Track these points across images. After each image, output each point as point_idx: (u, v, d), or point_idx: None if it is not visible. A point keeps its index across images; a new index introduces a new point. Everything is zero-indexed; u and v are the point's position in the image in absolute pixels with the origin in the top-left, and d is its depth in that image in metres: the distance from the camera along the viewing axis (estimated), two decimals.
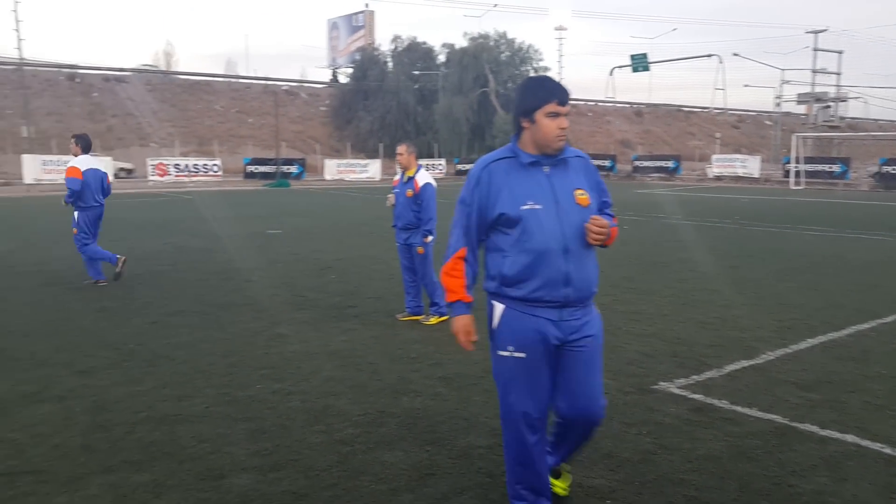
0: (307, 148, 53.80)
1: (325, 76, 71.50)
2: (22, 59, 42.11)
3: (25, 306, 7.62)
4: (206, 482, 3.56)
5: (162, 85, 61.46)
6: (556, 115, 2.87)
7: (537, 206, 2.88)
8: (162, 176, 34.85)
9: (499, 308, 3.04)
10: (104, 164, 8.88)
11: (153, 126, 52.69)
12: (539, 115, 2.87)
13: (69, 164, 8.93)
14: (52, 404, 4.65)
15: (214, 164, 37.10)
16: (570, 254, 2.90)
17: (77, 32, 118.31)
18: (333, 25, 70.59)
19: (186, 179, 35.38)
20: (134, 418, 4.40)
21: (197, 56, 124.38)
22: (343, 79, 63.40)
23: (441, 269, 3.13)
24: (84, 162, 8.89)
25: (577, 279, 2.92)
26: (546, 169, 2.96)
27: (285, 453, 3.91)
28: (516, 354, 2.98)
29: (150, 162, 35.84)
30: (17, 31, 41.61)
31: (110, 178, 9.34)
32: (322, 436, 4.15)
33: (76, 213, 8.89)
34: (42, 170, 30.75)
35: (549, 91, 2.88)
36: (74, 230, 8.88)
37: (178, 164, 36.19)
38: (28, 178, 30.13)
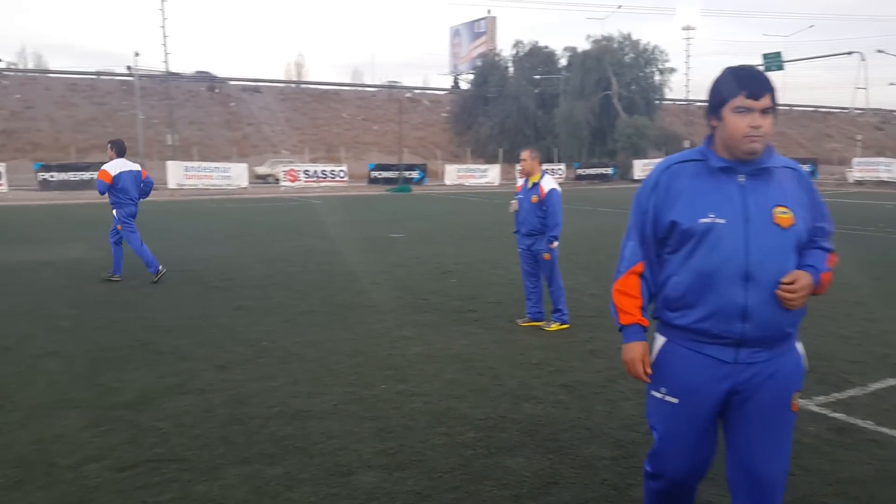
0: (428, 153, 54.75)
1: (447, 83, 72.59)
2: (168, 71, 45.20)
3: (169, 303, 8.16)
4: (335, 478, 3.68)
5: (293, 94, 64.34)
6: (746, 110, 2.36)
7: (719, 221, 2.40)
8: (292, 181, 36.44)
9: (659, 341, 2.60)
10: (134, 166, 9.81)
11: (285, 133, 55.23)
12: (726, 111, 2.40)
13: (102, 168, 9.68)
14: (194, 396, 4.94)
15: (341, 170, 38.44)
16: (752, 282, 2.37)
17: (218, 46, 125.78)
18: (455, 32, 71.54)
19: (315, 185, 36.83)
20: (268, 413, 4.61)
21: (326, 66, 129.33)
22: (464, 85, 64.11)
23: (613, 286, 2.66)
24: (116, 166, 9.56)
25: (759, 314, 2.38)
26: (741, 178, 2.44)
27: (409, 453, 3.98)
28: (668, 399, 2.54)
29: (282, 168, 37.62)
30: (164, 45, 44.81)
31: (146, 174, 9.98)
32: (444, 438, 4.20)
33: (115, 211, 9.59)
34: (184, 175, 32.93)
35: (738, 82, 2.39)
36: (119, 227, 9.56)
37: (307, 170, 37.76)
38: (171, 182, 32.35)
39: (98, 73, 59.09)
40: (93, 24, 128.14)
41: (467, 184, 40.59)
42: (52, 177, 32.35)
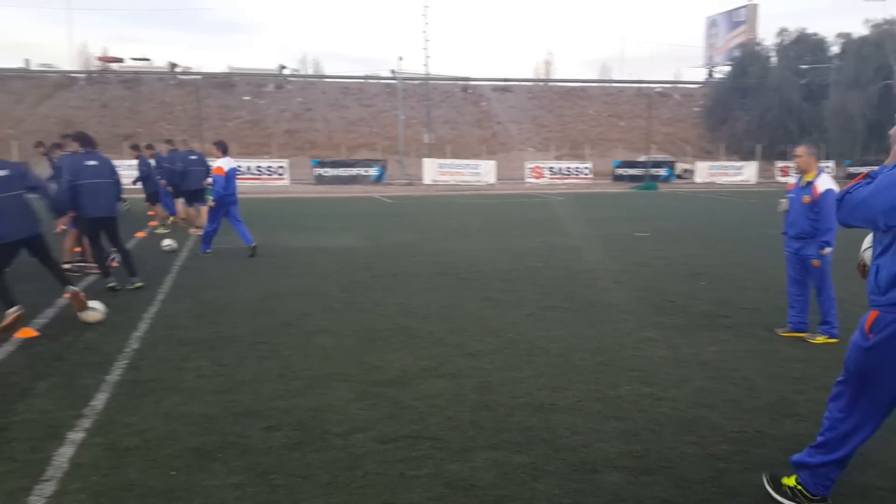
0: (676, 150, 52.52)
1: (700, 76, 69.01)
2: (427, 74, 47.99)
3: (424, 291, 8.70)
4: (580, 473, 3.70)
5: (541, 93, 65.12)
6: None
7: None
8: (538, 178, 36.99)
9: None
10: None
11: (531, 131, 56.14)
12: None
13: (215, 165, 11.43)
14: (446, 380, 5.24)
15: (585, 167, 38.26)
16: None
17: (471, 48, 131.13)
18: (712, 23, 67.72)
19: (559, 182, 37.05)
20: (514, 402, 4.76)
21: (574, 63, 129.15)
22: (719, 77, 60.53)
23: None
24: (227, 163, 11.40)
25: None
26: None
27: (656, 459, 3.88)
28: None
29: (528, 165, 38.33)
30: (425, 50, 47.64)
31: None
32: (694, 447, 4.04)
33: (210, 199, 11.52)
34: (438, 171, 34.83)
35: None
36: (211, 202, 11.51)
37: (552, 168, 38.10)
38: (427, 178, 34.40)
39: (366, 77, 64.38)
40: (362, 32, 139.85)
41: (719, 182, 38.34)
42: (325, 172, 35.95)
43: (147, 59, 66.78)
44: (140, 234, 14.29)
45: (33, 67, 60.82)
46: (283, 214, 20.09)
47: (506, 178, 40.38)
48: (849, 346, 3.17)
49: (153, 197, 15.27)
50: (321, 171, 36.05)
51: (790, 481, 3.38)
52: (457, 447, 4.04)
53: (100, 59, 68.58)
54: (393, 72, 55.06)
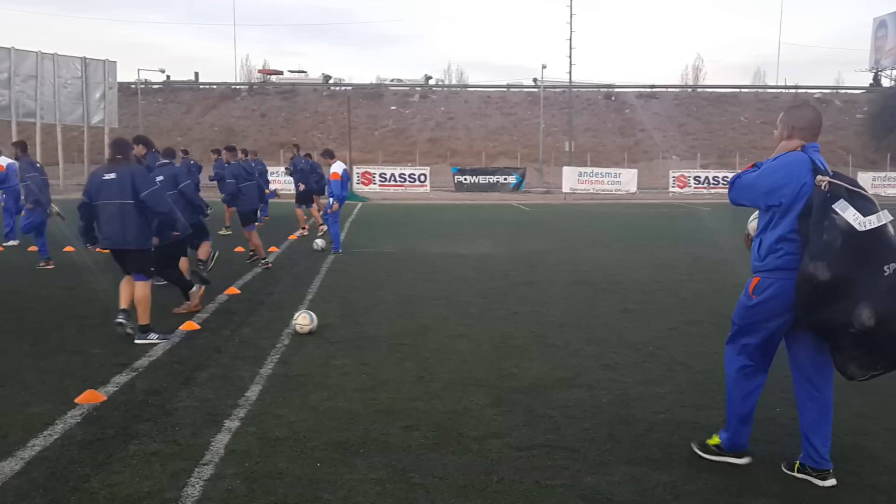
0: (837, 160, 48.89)
1: (865, 81, 64.03)
2: (570, 82, 47.62)
3: (561, 300, 8.63)
4: (723, 497, 3.54)
5: (688, 99, 62.82)
6: None
7: None
8: (682, 188, 35.70)
9: None
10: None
11: (676, 139, 54.26)
12: None
13: (332, 170, 12.24)
14: (582, 391, 5.17)
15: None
16: None
17: (616, 54, 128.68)
18: (880, 24, 62.55)
19: (705, 191, 35.55)
20: (653, 418, 4.63)
21: (725, 68, 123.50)
22: (887, 82, 55.87)
23: None
24: (340, 167, 12.23)
25: None
26: None
27: (807, 486, 3.64)
28: None
29: (672, 174, 37.07)
30: (569, 57, 47.24)
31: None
32: (851, 477, 3.76)
33: (331, 199, 12.10)
34: (577, 180, 34.43)
35: None
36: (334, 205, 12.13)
37: (698, 177, 36.65)
38: (566, 187, 34.09)
39: (508, 86, 64.69)
40: (507, 42, 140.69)
41: (884, 193, 35.38)
42: (465, 179, 36.50)
43: (303, 72, 70.51)
44: (292, 237, 15.10)
45: (202, 80, 65.79)
46: (424, 221, 20.58)
47: (648, 187, 39.23)
48: (736, 306, 3.87)
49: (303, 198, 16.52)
50: (461, 178, 36.61)
51: (714, 440, 4.01)
52: (593, 460, 3.98)
53: (260, 71, 73.20)
54: (535, 80, 55.05)
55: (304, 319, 6.79)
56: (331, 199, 12.15)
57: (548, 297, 8.82)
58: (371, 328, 7.07)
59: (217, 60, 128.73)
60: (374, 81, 67.31)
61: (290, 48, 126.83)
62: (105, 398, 4.91)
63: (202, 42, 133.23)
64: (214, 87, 64.52)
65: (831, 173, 3.55)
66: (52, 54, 35.09)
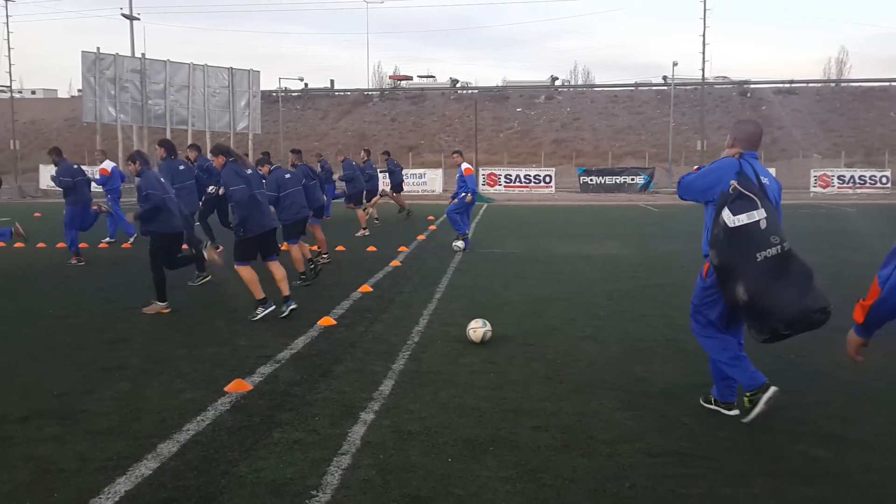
0: None
1: None
2: (702, 79, 45.86)
3: None
4: None
5: (831, 94, 59.01)
6: None
7: None
8: (824, 187, 33.60)
9: None
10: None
11: (818, 136, 51.08)
12: None
13: (464, 167, 13.06)
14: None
15: (883, 176, 33.94)
16: None
17: (752, 49, 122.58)
18: None
19: (850, 191, 33.26)
20: (796, 430, 4.40)
21: (873, 61, 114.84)
22: None
23: None
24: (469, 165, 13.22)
25: None
26: None
27: None
28: None
29: (814, 173, 34.95)
30: (702, 54, 45.48)
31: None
32: None
33: (463, 193, 12.97)
34: None
35: None
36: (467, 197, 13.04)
37: (841, 176, 34.36)
38: None
39: (637, 85, 63.19)
40: (634, 40, 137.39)
41: None
42: (591, 180, 35.97)
43: (432, 77, 71.94)
44: (420, 237, 15.44)
45: (337, 87, 68.47)
46: (550, 222, 20.46)
47: (786, 187, 37.05)
48: (694, 289, 4.69)
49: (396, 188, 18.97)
50: (587, 179, 36.11)
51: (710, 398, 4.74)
52: (731, 470, 3.84)
53: (391, 77, 75.38)
54: (665, 78, 53.44)
55: (477, 327, 6.60)
56: (463, 194, 13.01)
57: (679, 301, 8.53)
58: (498, 328, 7.11)
59: (351, 68, 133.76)
60: (500, 84, 67.53)
61: (419, 54, 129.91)
62: (251, 387, 5.24)
63: (338, 51, 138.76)
64: (348, 93, 67.01)
65: (771, 176, 4.46)
66: (203, 65, 37.61)
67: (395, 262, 11.45)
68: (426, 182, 35.80)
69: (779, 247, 4.04)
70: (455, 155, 13.91)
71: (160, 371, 5.73)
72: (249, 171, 7.73)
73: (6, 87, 54.94)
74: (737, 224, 4.01)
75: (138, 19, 41.83)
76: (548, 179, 35.86)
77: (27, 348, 6.52)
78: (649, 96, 60.03)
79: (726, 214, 4.04)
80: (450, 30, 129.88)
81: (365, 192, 17.06)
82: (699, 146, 42.95)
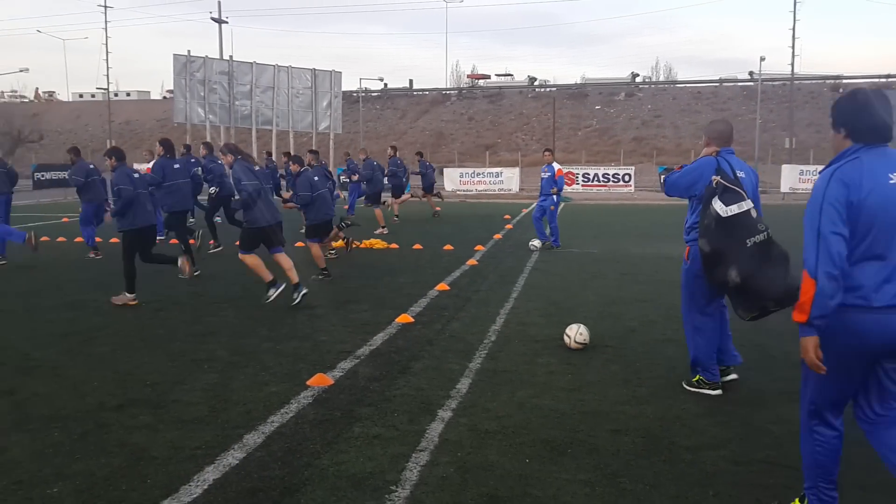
0: None
1: None
2: (792, 74, 44.14)
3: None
4: None
5: None
6: None
7: None
8: None
9: None
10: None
11: None
12: None
13: (556, 167, 13.21)
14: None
15: None
16: None
17: (845, 42, 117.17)
18: None
19: None
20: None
21: None
22: None
23: None
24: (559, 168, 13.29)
25: None
26: None
27: None
28: None
29: None
30: (792, 48, 43.78)
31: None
32: None
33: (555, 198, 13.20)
34: (798, 179, 31.81)
35: None
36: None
37: None
38: (784, 186, 31.60)
39: (721, 81, 61.37)
40: (718, 34, 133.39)
41: None
42: None
43: (510, 75, 71.75)
44: (497, 236, 15.42)
45: (415, 87, 69.13)
46: (628, 221, 20.10)
47: None
48: (681, 275, 5.44)
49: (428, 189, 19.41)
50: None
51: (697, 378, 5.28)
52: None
53: (469, 76, 75.55)
54: (752, 73, 51.67)
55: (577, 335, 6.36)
56: (554, 200, 13.25)
57: None
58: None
59: (430, 67, 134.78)
60: (578, 81, 66.74)
61: (497, 52, 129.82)
62: (332, 382, 5.36)
63: (417, 51, 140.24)
64: (426, 93, 67.56)
65: (747, 168, 5.03)
66: (287, 67, 38.58)
67: (472, 261, 11.49)
68: (503, 181, 35.65)
69: (765, 233, 4.34)
70: (546, 153, 13.93)
71: (246, 364, 5.92)
72: (257, 168, 8.44)
73: (103, 89, 57.98)
74: (729, 214, 4.37)
75: (226, 23, 43.29)
76: (627, 178, 35.17)
77: (122, 339, 6.84)
78: (734, 92, 58.23)
79: (718, 206, 4.39)
80: (529, 27, 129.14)
81: (392, 189, 17.37)
82: (787, 143, 41.36)
